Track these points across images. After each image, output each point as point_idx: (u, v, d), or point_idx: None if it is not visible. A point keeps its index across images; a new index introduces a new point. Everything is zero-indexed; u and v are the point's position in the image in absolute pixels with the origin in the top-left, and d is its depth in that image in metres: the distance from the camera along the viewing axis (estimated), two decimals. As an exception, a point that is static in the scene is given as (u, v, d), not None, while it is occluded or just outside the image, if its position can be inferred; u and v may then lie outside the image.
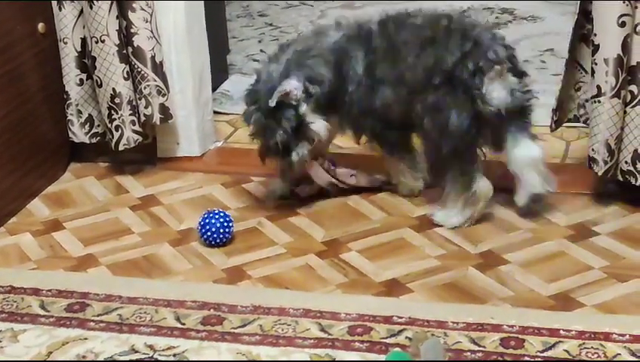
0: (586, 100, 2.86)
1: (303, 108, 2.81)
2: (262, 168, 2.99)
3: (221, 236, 2.78)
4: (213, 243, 2.78)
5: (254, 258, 2.74)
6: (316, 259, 2.72)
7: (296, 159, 2.83)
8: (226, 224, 2.78)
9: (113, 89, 3.08)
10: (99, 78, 3.09)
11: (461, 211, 2.82)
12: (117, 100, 3.09)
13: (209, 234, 2.77)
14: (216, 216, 2.78)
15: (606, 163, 2.76)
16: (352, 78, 2.83)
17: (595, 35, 2.69)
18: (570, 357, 2.23)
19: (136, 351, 2.35)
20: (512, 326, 2.34)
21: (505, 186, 2.99)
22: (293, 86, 2.78)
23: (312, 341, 2.35)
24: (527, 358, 2.24)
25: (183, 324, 2.44)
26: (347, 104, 2.86)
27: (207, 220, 2.78)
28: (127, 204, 3.06)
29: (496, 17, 4.37)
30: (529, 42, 4.10)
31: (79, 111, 3.20)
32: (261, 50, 4.17)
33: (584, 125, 2.94)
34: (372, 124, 2.89)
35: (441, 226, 2.82)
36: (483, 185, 2.81)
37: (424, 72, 2.76)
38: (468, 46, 2.74)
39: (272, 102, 2.74)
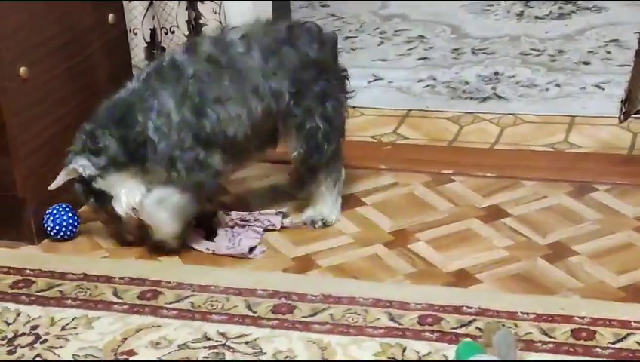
0: (656, 92, 2.85)
1: (99, 183, 2.71)
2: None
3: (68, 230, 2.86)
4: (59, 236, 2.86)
5: (322, 247, 2.76)
6: (384, 248, 2.73)
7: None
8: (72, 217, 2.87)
9: (182, 79, 3.11)
10: (168, 68, 3.12)
11: (335, 203, 2.87)
12: (185, 90, 3.12)
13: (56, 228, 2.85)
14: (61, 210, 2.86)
15: (675, 155, 2.75)
16: (157, 117, 2.67)
17: (666, 26, 2.68)
18: (642, 349, 2.24)
19: (209, 339, 2.39)
20: (582, 318, 2.34)
21: (571, 178, 3.00)
22: (78, 165, 2.71)
23: (382, 330, 2.37)
24: (598, 349, 2.25)
25: (255, 312, 2.47)
26: (153, 147, 2.68)
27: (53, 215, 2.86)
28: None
29: (560, 8, 4.35)
30: (593, 33, 4.08)
31: (148, 101, 3.24)
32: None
33: (653, 117, 2.94)
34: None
35: (328, 225, 2.85)
36: (344, 172, 2.91)
37: (290, 73, 2.75)
38: (315, 38, 2.81)
39: (52, 186, 2.72)
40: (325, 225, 2.85)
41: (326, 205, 2.87)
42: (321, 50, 2.82)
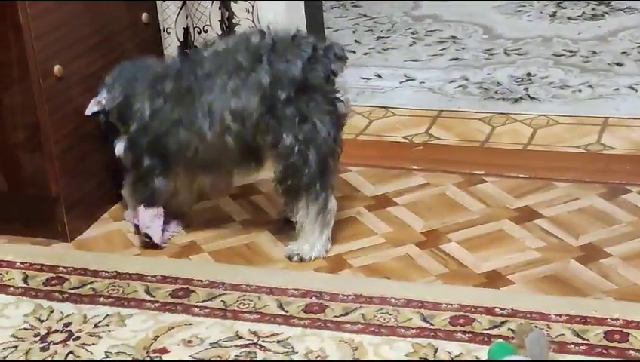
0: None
1: (112, 117, 2.84)
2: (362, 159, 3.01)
3: None
4: None
5: (354, 247, 2.76)
6: (416, 249, 2.73)
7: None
8: None
9: (214, 78, 3.12)
10: (200, 67, 3.13)
11: (319, 238, 2.71)
12: (218, 89, 3.13)
13: None
14: None
15: None
16: (139, 118, 2.78)
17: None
18: (676, 352, 2.22)
19: (241, 337, 2.39)
20: (615, 320, 2.33)
21: (604, 179, 2.98)
22: (102, 96, 2.84)
23: (414, 330, 2.36)
24: (631, 352, 2.23)
25: (286, 312, 2.47)
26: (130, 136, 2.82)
27: None
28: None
29: (593, 9, 4.33)
30: (626, 34, 4.06)
31: (180, 100, 3.25)
32: (355, 41, 4.19)
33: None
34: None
35: (305, 261, 2.70)
36: (334, 202, 2.73)
37: (260, 92, 2.63)
38: (302, 55, 2.63)
39: (88, 112, 2.85)
40: (302, 260, 2.71)
41: (308, 240, 2.71)
42: (308, 69, 2.62)
